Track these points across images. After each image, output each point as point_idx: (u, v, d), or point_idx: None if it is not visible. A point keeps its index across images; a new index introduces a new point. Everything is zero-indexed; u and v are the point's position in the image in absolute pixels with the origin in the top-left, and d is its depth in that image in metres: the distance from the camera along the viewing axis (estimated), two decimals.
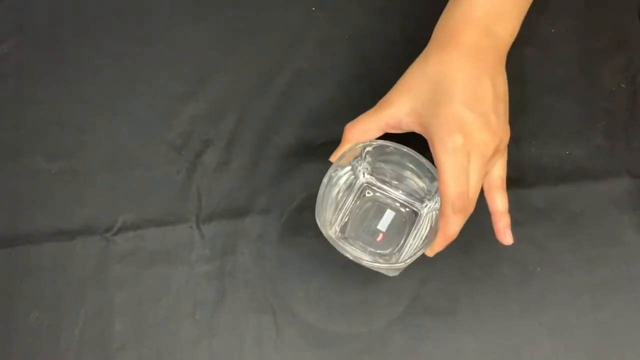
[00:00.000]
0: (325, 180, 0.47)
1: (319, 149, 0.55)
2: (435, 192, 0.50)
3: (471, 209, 0.45)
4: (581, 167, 0.54)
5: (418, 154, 0.48)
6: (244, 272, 0.52)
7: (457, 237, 0.46)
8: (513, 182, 0.54)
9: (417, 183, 0.51)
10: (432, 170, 0.48)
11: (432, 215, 0.50)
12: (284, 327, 0.51)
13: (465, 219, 0.45)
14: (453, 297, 0.52)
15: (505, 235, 0.47)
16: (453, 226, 0.44)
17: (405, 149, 0.48)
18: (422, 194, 0.51)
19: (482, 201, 0.49)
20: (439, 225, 0.44)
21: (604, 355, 0.51)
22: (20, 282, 0.52)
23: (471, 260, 0.52)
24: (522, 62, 0.56)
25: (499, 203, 0.47)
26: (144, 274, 0.52)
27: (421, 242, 0.50)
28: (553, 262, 0.52)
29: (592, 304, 0.51)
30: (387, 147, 0.49)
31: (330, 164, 0.49)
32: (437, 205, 0.50)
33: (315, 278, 0.52)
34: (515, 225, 0.53)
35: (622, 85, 0.56)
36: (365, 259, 0.47)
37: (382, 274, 0.51)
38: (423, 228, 0.51)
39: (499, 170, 0.47)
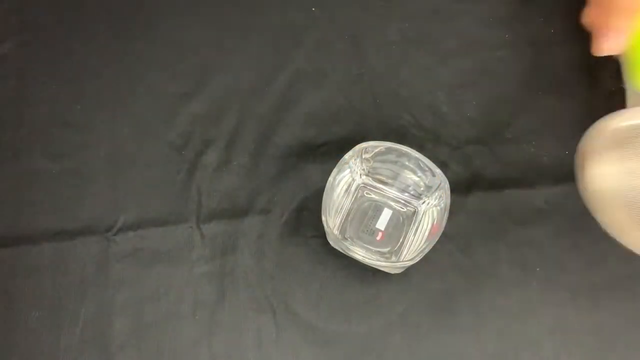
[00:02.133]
0: (328, 184, 0.47)
1: (318, 149, 0.55)
2: (435, 189, 0.50)
3: None
4: None
5: (415, 151, 0.48)
6: (244, 272, 0.52)
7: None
8: (513, 182, 0.54)
9: (415, 180, 0.51)
10: (430, 166, 0.48)
11: (432, 211, 0.51)
12: (284, 327, 0.51)
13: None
14: (453, 297, 0.52)
15: None
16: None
17: (402, 147, 0.48)
18: (420, 191, 0.51)
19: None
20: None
21: (604, 356, 0.51)
22: (20, 282, 0.52)
23: (471, 260, 0.52)
24: (522, 62, 0.56)
25: None
26: (144, 274, 0.52)
27: (422, 239, 0.50)
28: (553, 262, 0.52)
29: (592, 304, 0.51)
30: (383, 146, 0.49)
31: (330, 166, 0.49)
32: (436, 202, 0.50)
33: (315, 278, 0.52)
34: (516, 225, 0.53)
35: (621, 85, 0.56)
36: (371, 259, 0.48)
37: (382, 273, 0.51)
38: (423, 225, 0.51)
39: None
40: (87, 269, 0.52)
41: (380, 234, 0.51)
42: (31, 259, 0.53)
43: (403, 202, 0.52)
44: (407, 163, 0.50)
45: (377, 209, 0.52)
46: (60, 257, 0.53)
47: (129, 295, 0.52)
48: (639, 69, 0.48)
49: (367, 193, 0.52)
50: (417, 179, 0.51)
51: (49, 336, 0.51)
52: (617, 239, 0.46)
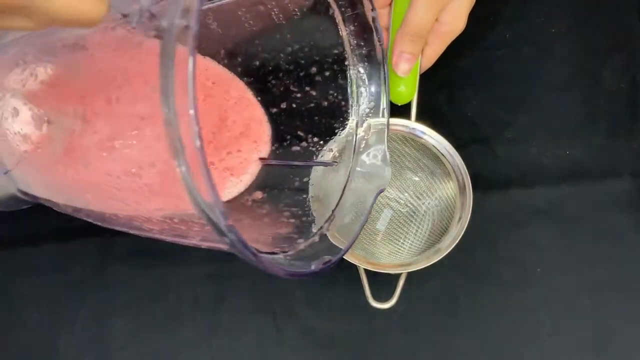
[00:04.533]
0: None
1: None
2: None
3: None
4: (581, 167, 0.54)
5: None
6: (244, 272, 0.52)
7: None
8: (513, 182, 0.54)
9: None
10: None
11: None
12: (284, 327, 0.51)
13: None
14: (453, 297, 0.52)
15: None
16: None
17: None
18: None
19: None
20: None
21: (604, 356, 0.51)
22: (20, 282, 0.52)
23: (471, 260, 0.52)
24: (522, 62, 0.56)
25: None
26: (144, 274, 0.52)
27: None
28: (553, 263, 0.52)
29: (592, 304, 0.51)
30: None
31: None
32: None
33: (315, 278, 0.52)
34: (516, 225, 0.53)
35: (622, 85, 0.56)
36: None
37: (381, 274, 0.51)
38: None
39: None
40: (87, 269, 0.52)
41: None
42: (31, 259, 0.52)
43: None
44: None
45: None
46: (60, 257, 0.52)
47: (129, 295, 0.52)
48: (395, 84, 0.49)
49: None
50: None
51: (48, 336, 0.51)
52: None
